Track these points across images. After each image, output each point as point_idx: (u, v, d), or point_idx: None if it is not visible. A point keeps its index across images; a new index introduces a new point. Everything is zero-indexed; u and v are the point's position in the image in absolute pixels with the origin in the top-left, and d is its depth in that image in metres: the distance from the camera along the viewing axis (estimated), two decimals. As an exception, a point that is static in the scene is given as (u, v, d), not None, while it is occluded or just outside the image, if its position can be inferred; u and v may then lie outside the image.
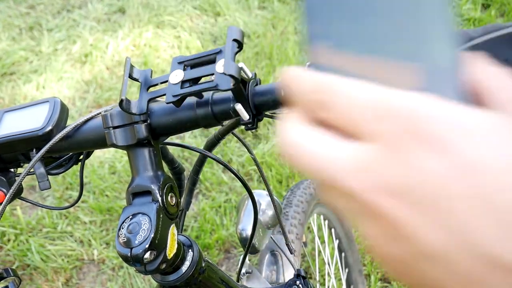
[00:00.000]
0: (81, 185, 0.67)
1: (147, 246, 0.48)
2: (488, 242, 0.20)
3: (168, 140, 0.59)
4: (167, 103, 0.47)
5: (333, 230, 1.30)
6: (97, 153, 2.01)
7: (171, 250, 0.51)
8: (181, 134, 2.03)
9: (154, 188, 0.50)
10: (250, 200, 0.83)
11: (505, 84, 0.25)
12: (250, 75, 0.47)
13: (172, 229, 0.51)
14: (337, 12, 0.26)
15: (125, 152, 0.54)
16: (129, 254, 0.49)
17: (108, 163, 2.01)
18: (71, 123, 0.58)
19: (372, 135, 0.23)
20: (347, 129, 0.24)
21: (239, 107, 0.47)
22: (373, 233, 0.23)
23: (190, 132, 2.04)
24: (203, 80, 0.48)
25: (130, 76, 0.49)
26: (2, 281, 0.58)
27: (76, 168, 1.92)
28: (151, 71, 0.52)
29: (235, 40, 0.45)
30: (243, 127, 0.50)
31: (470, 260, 0.21)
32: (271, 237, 0.88)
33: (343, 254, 1.34)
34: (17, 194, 0.62)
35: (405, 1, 0.24)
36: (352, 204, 0.23)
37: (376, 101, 0.23)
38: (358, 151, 0.23)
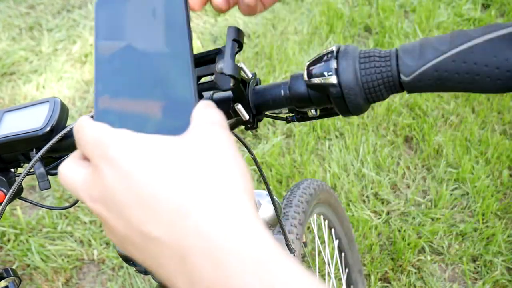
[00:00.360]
0: None
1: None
2: (140, 222, 0.31)
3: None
4: None
5: (333, 230, 1.30)
6: (97, 153, 2.01)
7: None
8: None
9: None
10: (250, 200, 0.83)
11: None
12: (250, 75, 0.47)
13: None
14: (112, 74, 0.40)
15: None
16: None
17: (108, 163, 2.01)
18: (71, 123, 0.59)
19: (90, 160, 0.34)
20: (85, 157, 0.36)
21: (239, 107, 0.47)
22: (104, 227, 0.35)
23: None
24: (203, 80, 0.48)
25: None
26: (2, 281, 0.58)
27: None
28: None
29: (235, 40, 0.45)
30: (243, 127, 0.50)
31: (136, 236, 0.32)
32: (271, 237, 0.88)
33: (343, 254, 1.34)
34: (17, 194, 0.62)
35: (156, 65, 0.39)
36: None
37: (91, 137, 0.34)
38: (86, 173, 0.34)
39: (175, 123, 0.36)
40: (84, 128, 0.36)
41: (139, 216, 0.31)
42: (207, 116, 0.35)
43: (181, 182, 0.31)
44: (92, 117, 0.39)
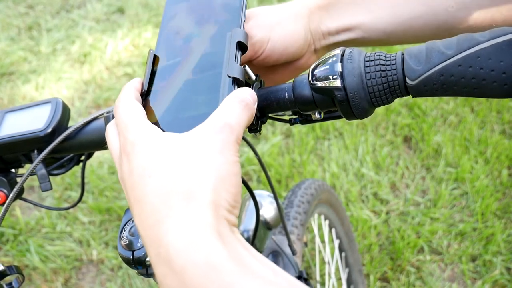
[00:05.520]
0: (83, 186, 0.67)
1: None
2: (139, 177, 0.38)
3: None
4: None
5: (333, 230, 1.30)
6: (97, 154, 2.01)
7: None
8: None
9: None
10: (251, 201, 0.83)
11: None
12: (254, 77, 0.47)
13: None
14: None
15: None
16: (131, 257, 0.49)
17: (107, 163, 2.00)
18: (72, 124, 0.58)
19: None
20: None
21: None
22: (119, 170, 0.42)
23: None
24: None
25: (153, 69, 0.48)
26: (6, 278, 0.57)
27: (75, 168, 1.90)
28: None
29: (239, 42, 0.45)
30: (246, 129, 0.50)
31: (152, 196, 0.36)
32: (272, 238, 0.88)
33: (343, 254, 1.34)
34: (19, 195, 0.62)
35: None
36: None
37: (125, 124, 0.41)
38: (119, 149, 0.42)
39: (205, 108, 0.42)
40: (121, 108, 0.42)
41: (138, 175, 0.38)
42: (225, 115, 0.38)
43: (163, 181, 0.36)
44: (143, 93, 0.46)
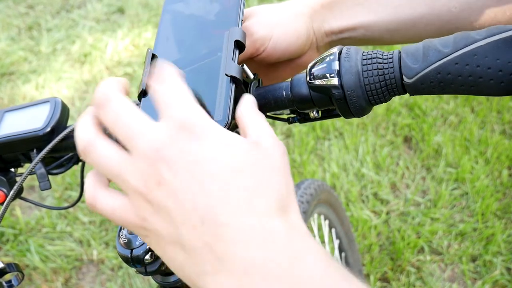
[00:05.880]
0: (82, 185, 0.67)
1: (148, 247, 0.48)
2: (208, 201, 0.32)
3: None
4: None
5: (333, 230, 1.30)
6: (97, 153, 2.01)
7: (172, 251, 0.51)
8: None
9: None
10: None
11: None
12: (251, 76, 0.47)
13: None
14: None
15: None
16: (129, 256, 0.49)
17: (107, 163, 2.00)
18: (72, 123, 0.58)
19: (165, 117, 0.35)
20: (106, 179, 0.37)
21: None
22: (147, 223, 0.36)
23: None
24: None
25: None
26: (5, 276, 0.58)
27: (75, 168, 1.89)
28: None
29: (237, 41, 0.45)
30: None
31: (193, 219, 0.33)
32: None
33: (343, 254, 1.34)
34: (18, 194, 0.62)
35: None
36: None
37: (180, 112, 0.34)
38: (124, 199, 0.35)
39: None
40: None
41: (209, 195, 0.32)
42: (273, 137, 0.38)
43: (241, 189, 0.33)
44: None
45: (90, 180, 0.36)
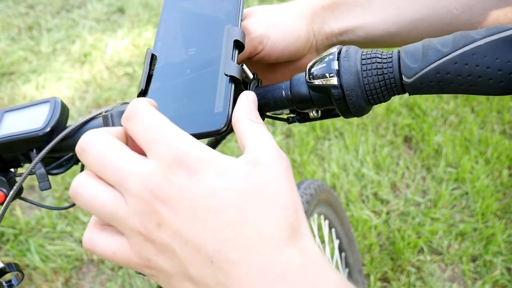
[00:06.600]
0: None
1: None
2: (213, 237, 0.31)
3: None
4: None
5: (333, 230, 1.30)
6: (97, 153, 2.01)
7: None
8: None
9: None
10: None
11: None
12: (251, 75, 0.47)
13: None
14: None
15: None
16: None
17: (107, 163, 2.00)
18: (71, 123, 0.58)
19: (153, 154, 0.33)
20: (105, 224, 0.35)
21: None
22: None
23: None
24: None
25: (151, 68, 0.48)
26: (5, 276, 0.57)
27: (75, 168, 1.91)
28: None
29: (236, 41, 0.45)
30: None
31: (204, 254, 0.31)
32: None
33: (343, 254, 1.34)
34: (18, 194, 0.62)
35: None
36: None
37: (169, 142, 0.32)
38: (123, 240, 0.34)
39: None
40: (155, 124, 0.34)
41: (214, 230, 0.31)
42: (273, 149, 0.35)
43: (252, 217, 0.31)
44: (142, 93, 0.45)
45: (88, 224, 0.35)
